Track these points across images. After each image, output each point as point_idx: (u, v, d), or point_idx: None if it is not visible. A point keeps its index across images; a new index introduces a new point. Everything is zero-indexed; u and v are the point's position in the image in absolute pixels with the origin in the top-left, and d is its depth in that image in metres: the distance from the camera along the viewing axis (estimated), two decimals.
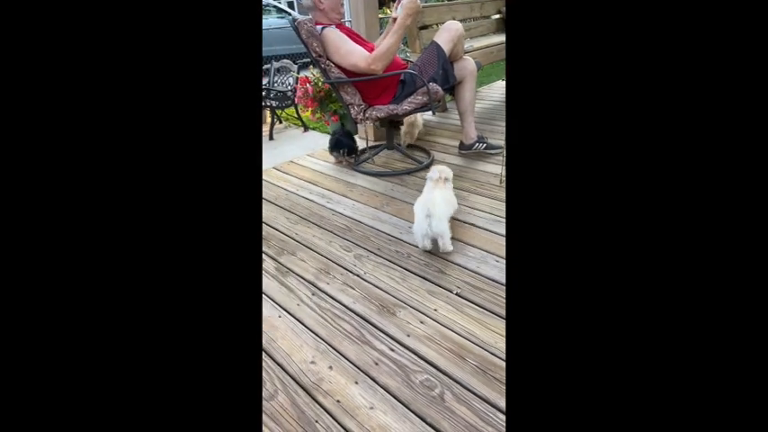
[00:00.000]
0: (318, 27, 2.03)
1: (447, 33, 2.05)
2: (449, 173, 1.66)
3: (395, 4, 2.02)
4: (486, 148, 2.28)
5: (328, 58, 2.04)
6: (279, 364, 1.10)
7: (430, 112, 2.09)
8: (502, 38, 3.25)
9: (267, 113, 3.34)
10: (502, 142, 2.29)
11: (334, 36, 1.99)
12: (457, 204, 1.66)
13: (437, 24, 2.91)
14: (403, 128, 2.52)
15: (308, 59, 2.32)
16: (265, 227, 1.80)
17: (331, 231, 1.72)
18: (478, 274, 1.39)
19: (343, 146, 2.28)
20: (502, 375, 1.01)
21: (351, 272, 1.46)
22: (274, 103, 3.15)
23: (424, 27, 2.86)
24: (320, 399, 1.00)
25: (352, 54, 1.97)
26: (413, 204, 1.85)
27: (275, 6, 6.68)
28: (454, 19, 2.78)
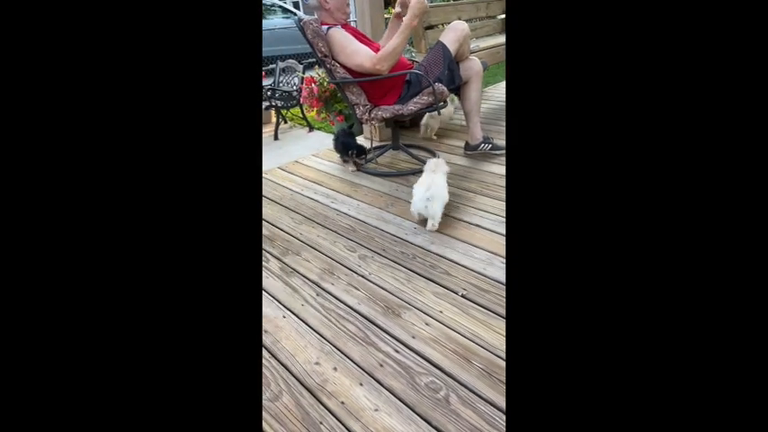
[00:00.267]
0: (324, 27, 2.03)
1: (453, 33, 2.05)
2: (444, 166, 1.75)
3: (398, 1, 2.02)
4: (491, 149, 2.27)
5: (334, 58, 2.04)
6: (283, 365, 1.10)
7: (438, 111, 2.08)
8: None
9: (272, 113, 3.34)
10: None
11: (339, 36, 1.99)
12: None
13: (443, 24, 2.91)
14: (424, 119, 2.56)
15: (314, 59, 2.32)
16: (270, 227, 1.80)
17: (335, 231, 1.72)
18: (484, 275, 1.38)
19: (351, 147, 2.26)
20: None
21: (355, 272, 1.45)
22: (279, 103, 3.16)
23: (430, 27, 2.85)
24: (325, 400, 0.99)
25: (357, 54, 1.96)
26: None
27: (281, 6, 6.69)
28: (460, 19, 2.77)
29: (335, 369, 1.07)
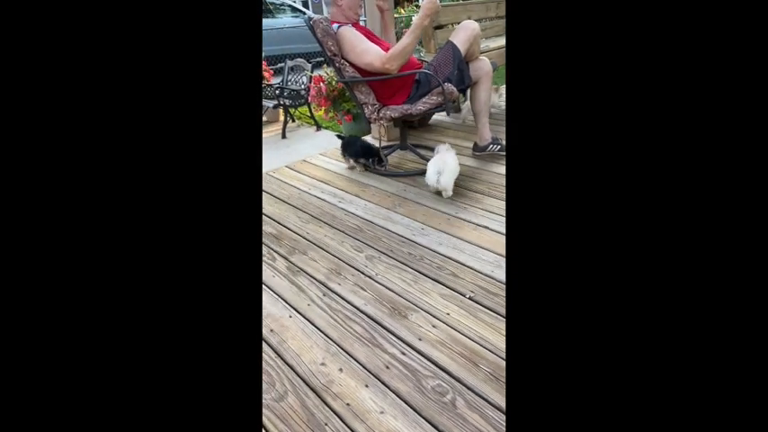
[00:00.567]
0: (335, 25, 2.02)
1: (464, 33, 2.03)
2: (453, 150, 1.92)
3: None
4: (500, 150, 2.25)
5: (343, 57, 2.04)
6: (289, 365, 1.10)
7: (450, 111, 2.07)
8: None
9: (280, 112, 3.35)
10: None
11: (350, 35, 1.98)
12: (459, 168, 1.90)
13: (452, 24, 2.89)
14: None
15: (322, 58, 2.32)
16: (277, 225, 1.80)
17: (343, 231, 1.71)
18: (492, 278, 1.37)
19: (371, 154, 2.20)
20: None
21: (362, 273, 1.44)
22: (288, 102, 3.16)
23: (439, 27, 2.84)
24: (330, 401, 0.99)
25: (367, 53, 1.96)
26: (426, 206, 1.84)
27: (290, 5, 6.71)
28: (470, 18, 2.75)
29: (341, 370, 1.07)
